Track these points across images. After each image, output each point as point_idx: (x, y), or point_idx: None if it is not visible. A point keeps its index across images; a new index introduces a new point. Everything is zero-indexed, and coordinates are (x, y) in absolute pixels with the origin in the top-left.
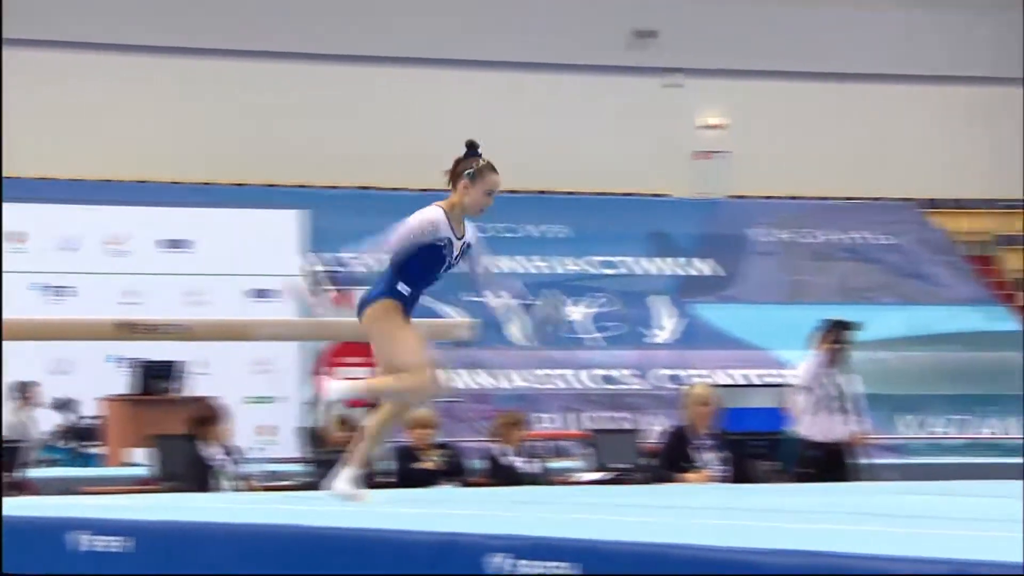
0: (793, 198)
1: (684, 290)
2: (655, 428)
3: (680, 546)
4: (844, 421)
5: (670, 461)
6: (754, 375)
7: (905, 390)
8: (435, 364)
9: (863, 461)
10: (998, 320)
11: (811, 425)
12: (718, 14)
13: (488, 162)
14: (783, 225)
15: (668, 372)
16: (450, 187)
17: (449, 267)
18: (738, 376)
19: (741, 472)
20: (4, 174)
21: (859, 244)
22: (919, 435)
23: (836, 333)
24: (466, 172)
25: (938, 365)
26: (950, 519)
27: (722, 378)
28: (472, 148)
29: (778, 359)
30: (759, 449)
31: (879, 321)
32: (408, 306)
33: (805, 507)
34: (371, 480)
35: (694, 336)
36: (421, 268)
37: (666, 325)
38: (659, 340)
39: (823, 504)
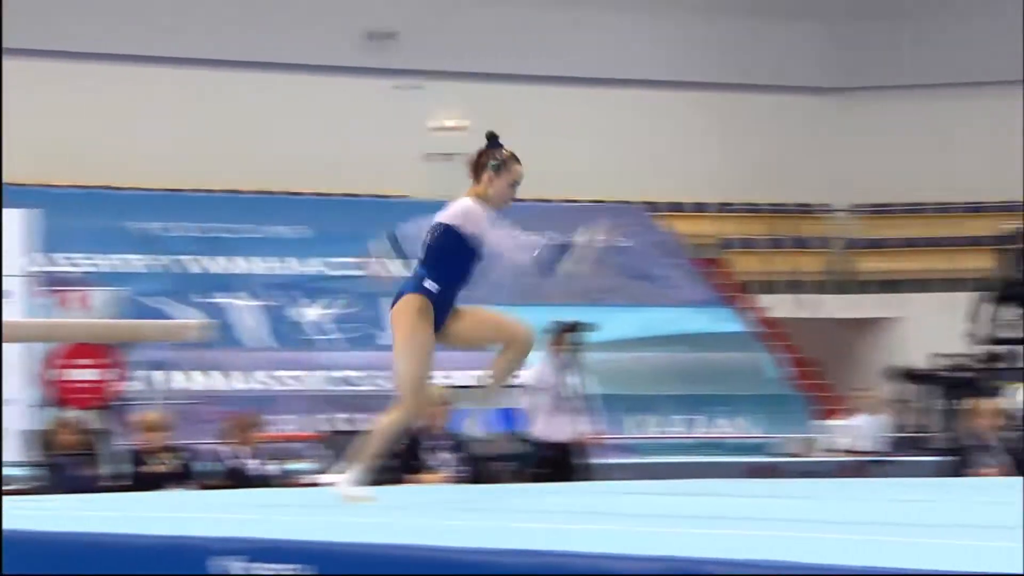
0: (527, 200)
1: None
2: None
3: (412, 547)
4: (576, 421)
5: (405, 462)
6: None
7: (636, 390)
8: (427, 380)
9: (596, 461)
10: (725, 322)
11: (545, 425)
12: (458, 17)
13: (512, 153)
14: (522, 226)
15: None
16: (473, 179)
17: (480, 260)
18: (476, 378)
19: (478, 472)
20: None
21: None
22: (650, 435)
23: (566, 335)
24: (491, 164)
25: (668, 366)
26: (677, 517)
27: (462, 379)
28: (493, 139)
29: None
30: (496, 449)
31: (611, 323)
32: (437, 305)
33: (535, 507)
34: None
35: None
36: (458, 264)
37: None
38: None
39: (554, 504)
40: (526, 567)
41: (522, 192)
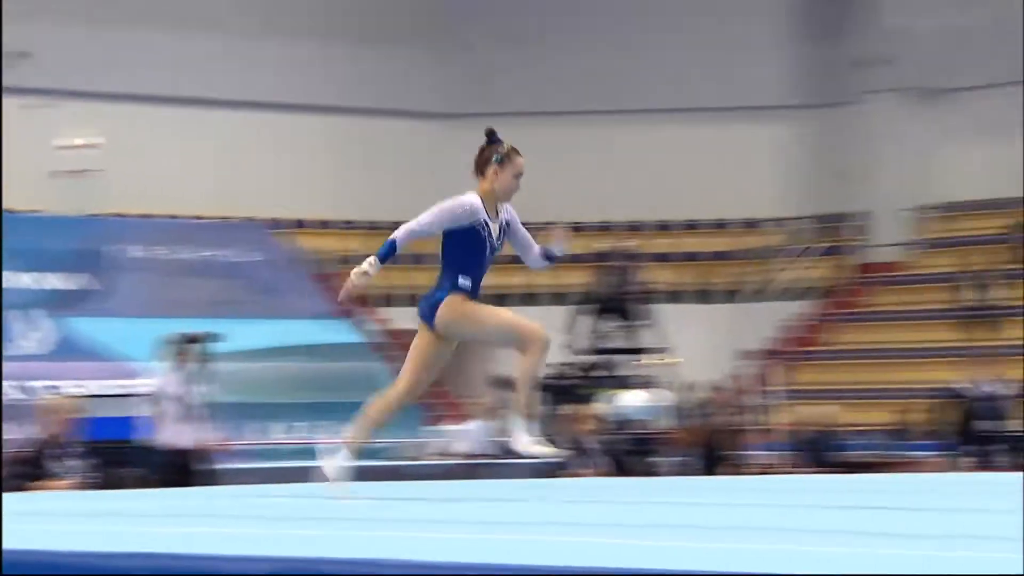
0: (157, 216)
1: (58, 304)
2: (18, 438)
3: (31, 552)
4: (201, 429)
5: (30, 470)
6: (123, 386)
7: (260, 398)
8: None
9: (220, 466)
10: (344, 333)
11: (170, 433)
12: (93, 38)
13: (512, 146)
14: (154, 242)
15: (40, 384)
16: (477, 176)
17: (493, 251)
18: (110, 387)
19: (108, 479)
20: None
21: (221, 261)
22: (273, 440)
23: (192, 345)
24: (494, 158)
25: (291, 375)
26: (294, 519)
27: (94, 388)
28: (492, 135)
29: (144, 370)
30: (125, 456)
31: (237, 334)
32: (474, 296)
33: (151, 511)
34: None
35: (67, 349)
36: (466, 255)
37: (37, 337)
38: (29, 352)
39: (173, 507)
40: (142, 569)
41: (151, 208)
